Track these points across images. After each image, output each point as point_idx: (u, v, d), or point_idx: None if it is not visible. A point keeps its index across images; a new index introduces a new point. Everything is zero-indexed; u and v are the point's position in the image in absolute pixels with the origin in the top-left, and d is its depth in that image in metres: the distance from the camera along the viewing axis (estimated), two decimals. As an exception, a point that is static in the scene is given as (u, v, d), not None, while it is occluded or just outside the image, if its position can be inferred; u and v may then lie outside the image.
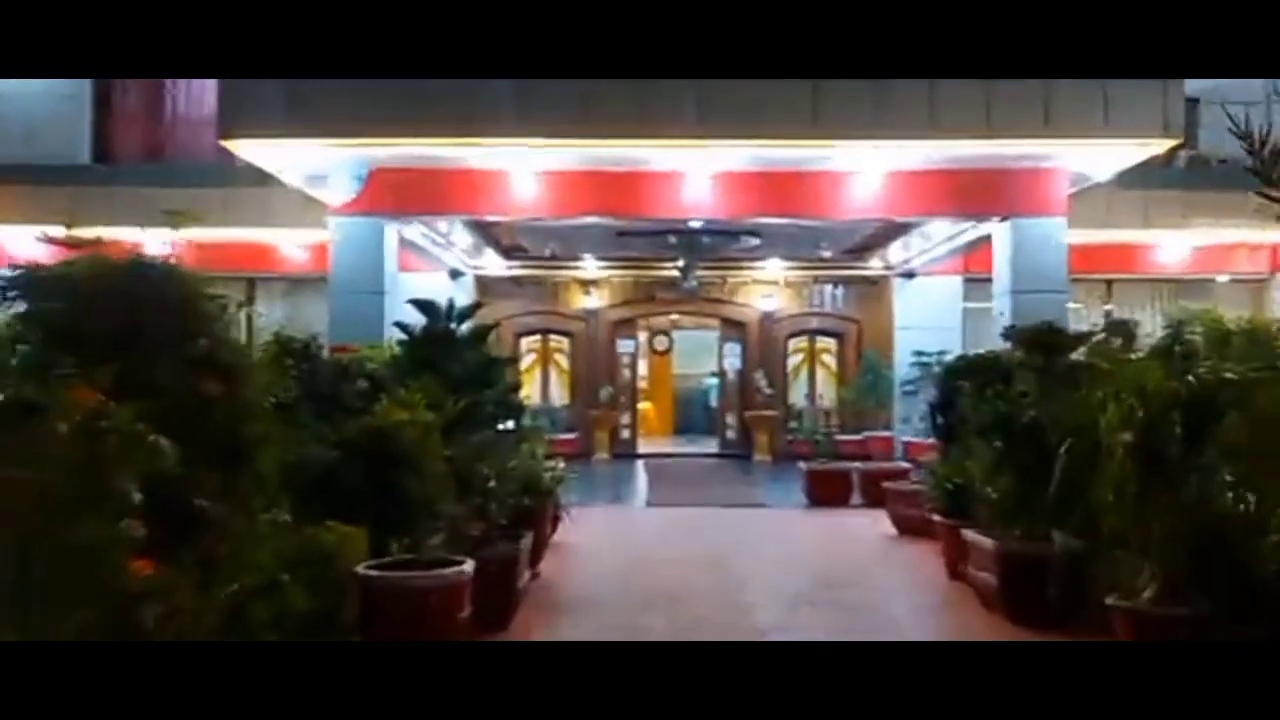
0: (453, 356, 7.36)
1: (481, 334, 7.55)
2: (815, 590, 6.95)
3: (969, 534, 6.31)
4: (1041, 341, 6.55)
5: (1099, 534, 5.32)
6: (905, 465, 11.78)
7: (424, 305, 7.43)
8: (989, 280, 18.14)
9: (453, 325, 7.47)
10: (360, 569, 4.64)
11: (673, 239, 14.44)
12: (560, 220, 13.20)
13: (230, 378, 4.29)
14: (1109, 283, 18.27)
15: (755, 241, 14.84)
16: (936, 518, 7.35)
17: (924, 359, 16.46)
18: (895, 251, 16.19)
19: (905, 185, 11.97)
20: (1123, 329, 6.25)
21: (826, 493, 11.54)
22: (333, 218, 12.05)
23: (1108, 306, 18.00)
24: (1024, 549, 5.88)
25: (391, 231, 12.24)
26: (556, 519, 8.12)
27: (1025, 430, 5.99)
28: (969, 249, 15.35)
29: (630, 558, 8.11)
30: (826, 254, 15.17)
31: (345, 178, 11.75)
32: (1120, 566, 4.79)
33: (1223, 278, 17.54)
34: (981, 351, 8.56)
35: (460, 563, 4.83)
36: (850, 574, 7.49)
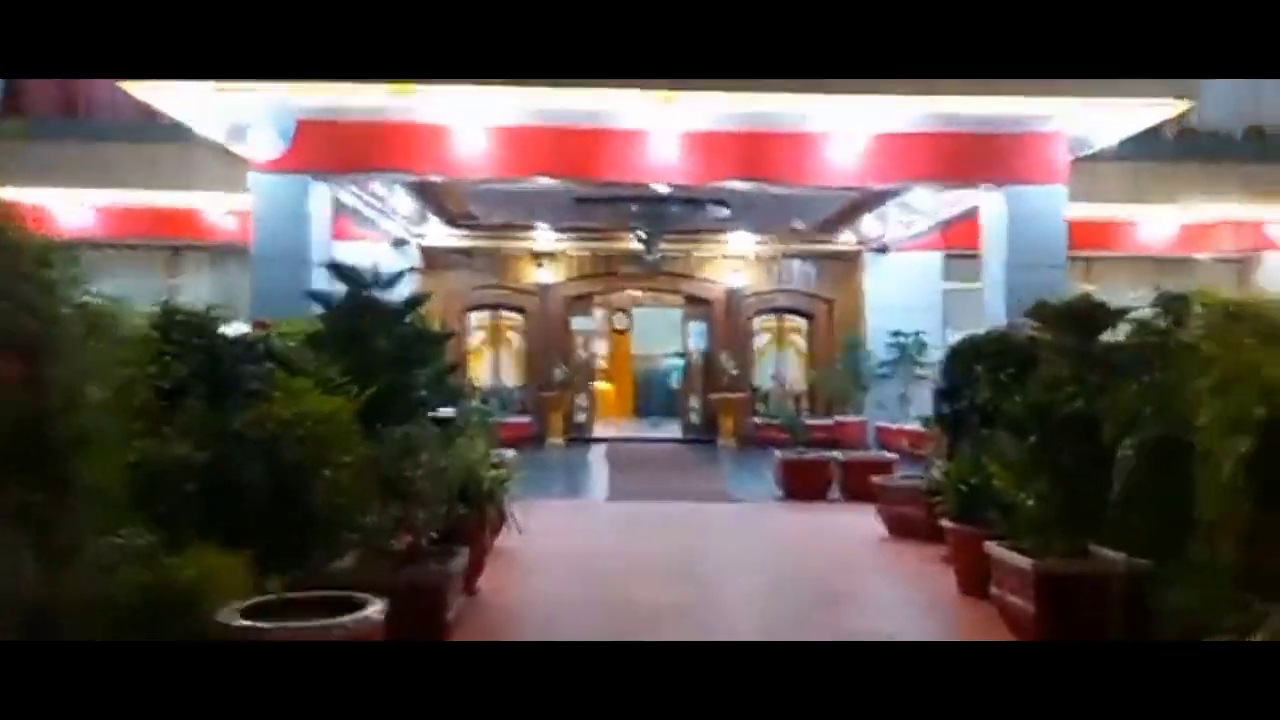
0: (379, 331, 6.18)
1: (412, 304, 6.35)
2: (809, 610, 5.89)
3: (997, 549, 5.28)
4: (1078, 318, 5.52)
5: (1168, 555, 4.33)
6: (890, 456, 10.79)
7: (343, 270, 6.22)
8: (971, 256, 17.24)
9: (379, 294, 6.28)
10: (226, 616, 3.45)
11: (635, 207, 13.28)
12: (511, 183, 11.99)
13: (37, 357, 3.10)
14: (1089, 260, 17.45)
15: (724, 212, 13.72)
16: (948, 524, 6.32)
17: (901, 340, 15.52)
18: (872, 224, 15.16)
19: (890, 149, 10.92)
20: (1176, 305, 5.23)
21: (803, 485, 10.51)
22: (255, 176, 10.74)
23: (1088, 286, 17.19)
24: (1071, 569, 4.86)
25: (321, 192, 10.95)
26: (502, 521, 6.98)
27: (1068, 424, 4.96)
28: (949, 223, 14.40)
29: (587, 569, 6.98)
30: (800, 226, 14.10)
31: (268, 130, 10.44)
32: (1213, 599, 3.79)
33: (1207, 256, 16.78)
34: (995, 329, 7.53)
35: (364, 604, 3.66)
36: (846, 588, 6.44)
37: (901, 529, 8.19)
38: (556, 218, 15.16)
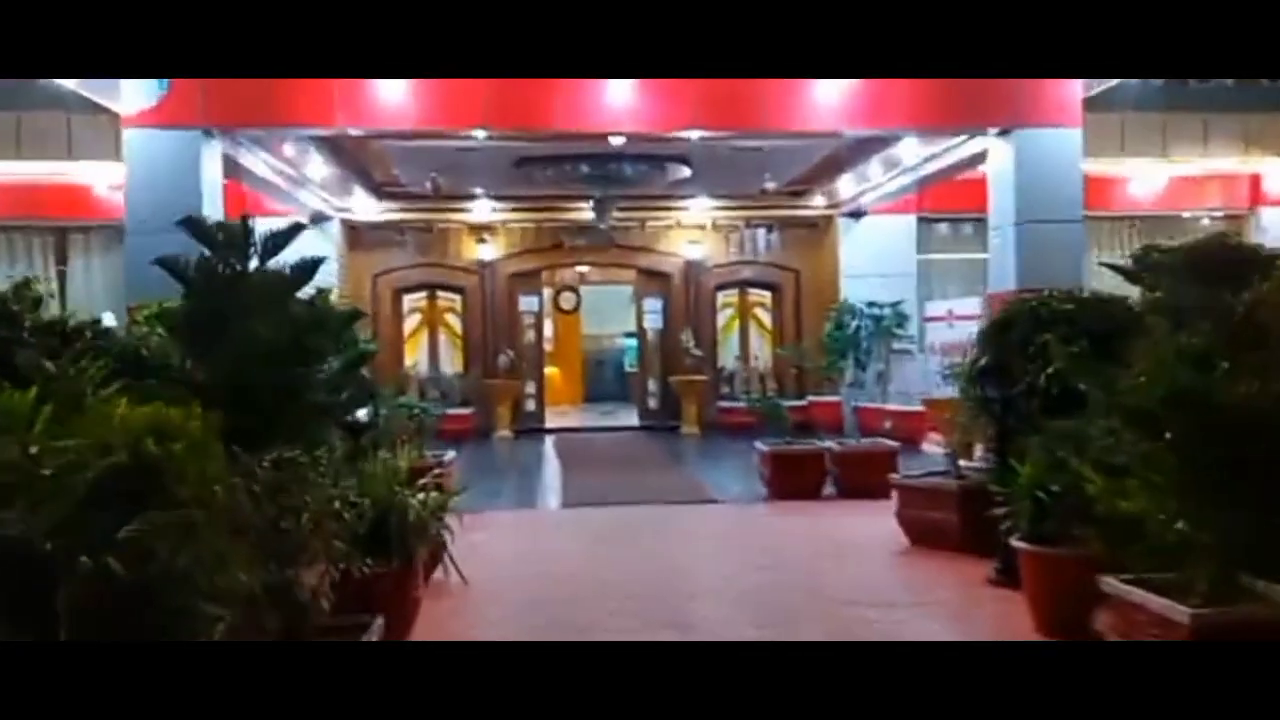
0: (257, 312, 4.53)
1: (304, 274, 4.69)
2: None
3: (1124, 588, 3.82)
4: (1214, 268, 4.07)
5: None
6: (892, 444, 9.37)
7: (202, 228, 4.54)
8: (948, 220, 16.04)
9: (256, 262, 4.62)
10: None
11: (585, 168, 11.67)
12: (441, 140, 10.34)
13: None
14: (1072, 222, 16.24)
15: (685, 172, 12.18)
16: (1022, 545, 4.86)
17: (878, 311, 14.11)
18: (846, 185, 13.72)
19: (880, 88, 9.46)
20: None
21: (793, 481, 9.04)
22: (130, 132, 8.95)
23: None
24: (1248, 620, 3.43)
25: (212, 152, 9.17)
26: (436, 561, 5.37)
27: (1238, 419, 3.51)
28: (925, 182, 13.04)
29: (548, 617, 5.34)
30: (770, 186, 12.60)
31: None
32: None
33: (1197, 214, 15.66)
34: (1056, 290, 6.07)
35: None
36: (889, 632, 4.95)
37: (927, 537, 6.76)
38: (496, 184, 13.48)
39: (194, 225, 4.58)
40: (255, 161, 10.92)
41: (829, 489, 9.18)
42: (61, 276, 14.44)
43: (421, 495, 4.84)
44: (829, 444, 9.33)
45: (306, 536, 3.33)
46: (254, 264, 4.60)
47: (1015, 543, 4.87)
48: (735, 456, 12.80)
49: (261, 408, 4.31)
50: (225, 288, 4.55)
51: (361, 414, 5.33)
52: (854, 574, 6.18)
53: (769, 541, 7.35)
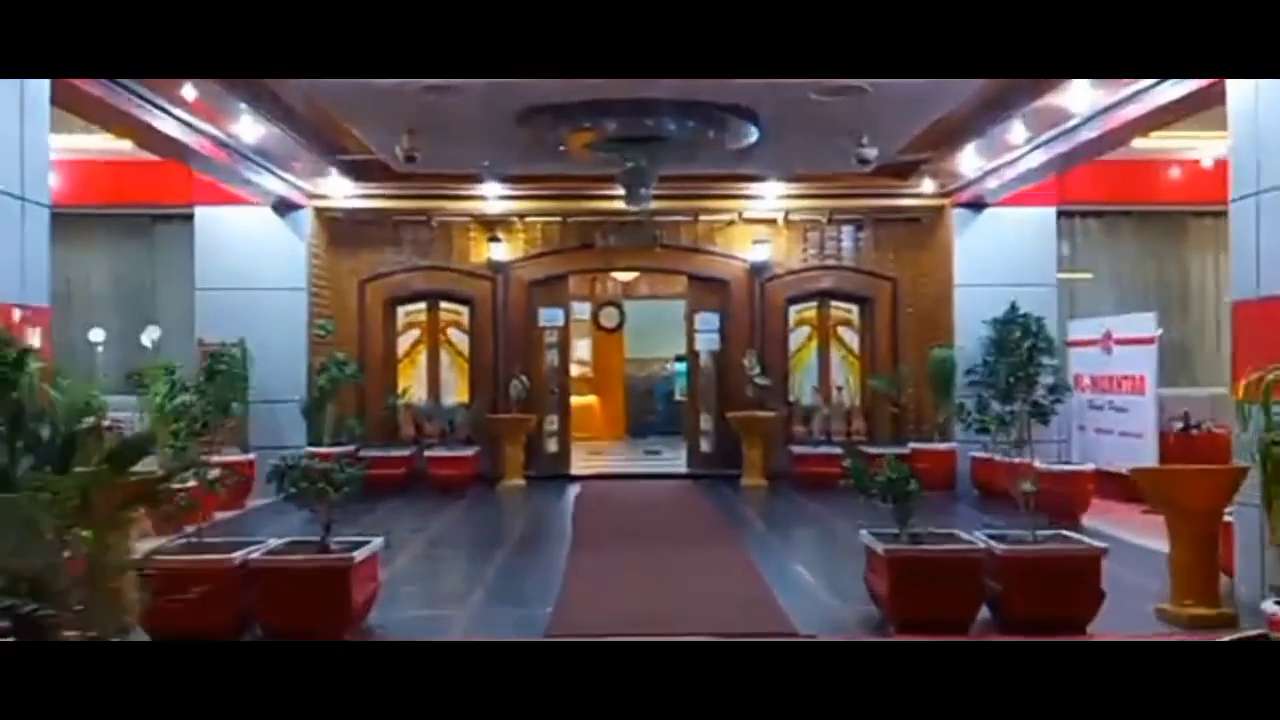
0: None
1: None
2: None
3: None
4: None
5: None
6: (1095, 545, 5.80)
7: None
8: (1100, 213, 12.46)
9: None
10: None
11: (613, 124, 8.34)
12: (416, 78, 7.10)
13: None
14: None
15: (751, 134, 8.78)
16: None
17: (1016, 328, 10.48)
18: (969, 159, 10.15)
19: None
20: None
21: (926, 604, 5.50)
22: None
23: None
24: None
25: (33, 95, 5.97)
26: None
27: None
28: (1081, 157, 9.53)
29: None
30: (870, 154, 9.06)
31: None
32: None
33: None
34: None
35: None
36: None
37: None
38: (499, 154, 10.19)
39: None
40: (165, 121, 7.90)
41: (983, 612, 5.67)
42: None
43: None
44: (985, 541, 5.77)
45: None
46: None
47: None
48: (817, 529, 9.35)
49: None
50: None
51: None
52: None
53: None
